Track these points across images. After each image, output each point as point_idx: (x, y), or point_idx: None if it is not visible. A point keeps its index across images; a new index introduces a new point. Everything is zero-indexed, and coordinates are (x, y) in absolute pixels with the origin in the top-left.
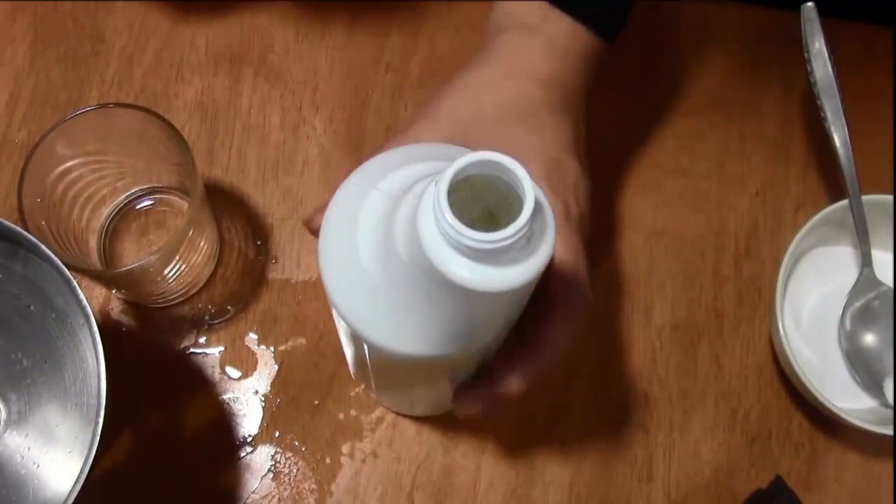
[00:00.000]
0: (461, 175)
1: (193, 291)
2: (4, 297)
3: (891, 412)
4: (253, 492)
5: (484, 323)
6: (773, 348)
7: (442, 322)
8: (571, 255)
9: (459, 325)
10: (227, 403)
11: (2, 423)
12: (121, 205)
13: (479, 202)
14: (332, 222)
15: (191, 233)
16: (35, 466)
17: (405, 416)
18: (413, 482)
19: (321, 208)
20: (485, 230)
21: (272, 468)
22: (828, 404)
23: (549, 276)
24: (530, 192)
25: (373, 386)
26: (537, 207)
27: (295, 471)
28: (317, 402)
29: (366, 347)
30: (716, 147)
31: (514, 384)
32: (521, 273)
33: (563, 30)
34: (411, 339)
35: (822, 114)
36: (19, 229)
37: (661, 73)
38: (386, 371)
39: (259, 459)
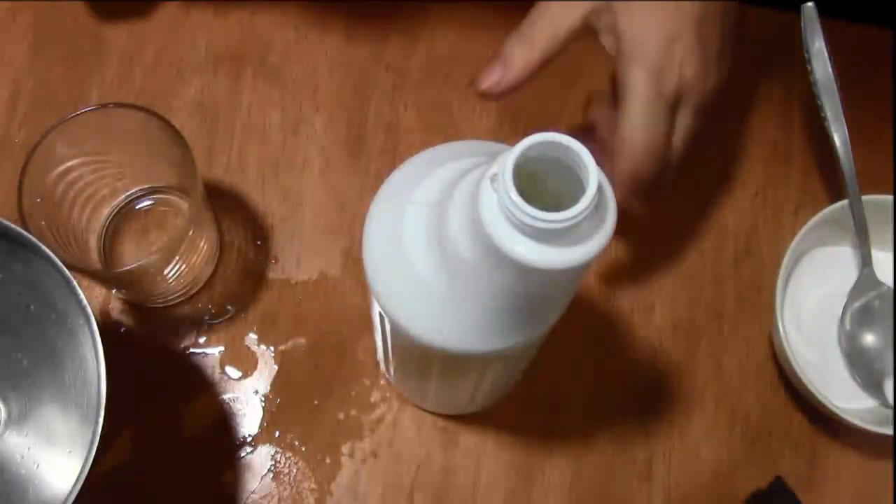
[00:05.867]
0: (525, 156)
1: (193, 291)
2: (4, 297)
3: (891, 412)
4: (253, 492)
5: (542, 309)
6: (773, 348)
7: (506, 314)
8: (651, 135)
9: (523, 313)
10: (227, 403)
11: (2, 423)
12: (121, 205)
13: (540, 183)
14: (376, 243)
15: (191, 233)
16: (35, 466)
17: (405, 415)
18: (413, 482)
19: (493, 64)
20: (544, 210)
21: (272, 468)
22: (828, 404)
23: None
24: (594, 175)
25: (395, 374)
26: (600, 191)
27: (295, 471)
28: (317, 402)
29: (431, 354)
30: (716, 147)
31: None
32: (582, 252)
33: None
34: (480, 337)
35: (822, 114)
36: (19, 229)
37: None
38: (440, 370)
39: (259, 459)
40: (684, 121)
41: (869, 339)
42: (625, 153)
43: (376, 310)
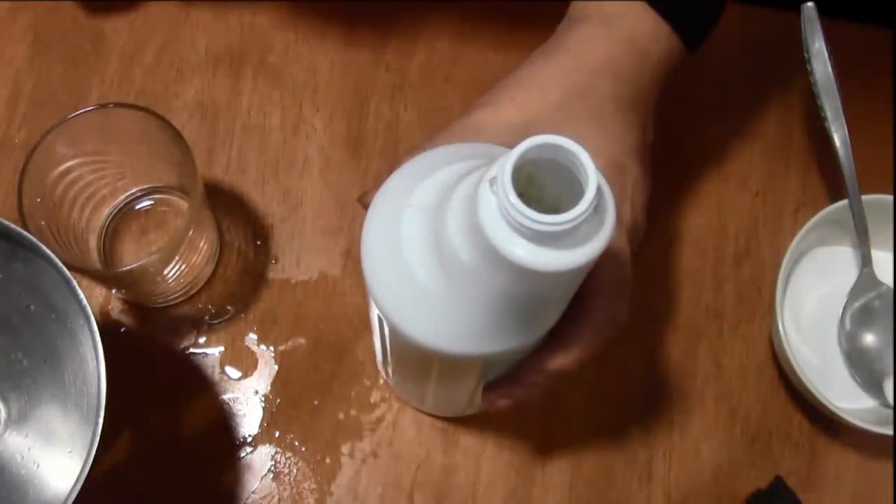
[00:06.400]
0: (524, 158)
1: (193, 291)
2: (4, 297)
3: (891, 412)
4: (253, 492)
5: (541, 311)
6: (773, 348)
7: (504, 316)
8: (615, 265)
9: (522, 316)
10: (227, 403)
11: (2, 423)
12: (121, 205)
13: (538, 185)
14: (374, 246)
15: (191, 233)
16: (35, 466)
17: (405, 415)
18: (413, 482)
19: (375, 186)
20: (544, 213)
21: (272, 468)
22: (828, 404)
23: (589, 281)
24: (593, 178)
25: (393, 376)
26: (599, 193)
27: (295, 471)
28: (317, 402)
29: (430, 357)
30: (716, 147)
31: (536, 378)
32: (581, 254)
33: (646, 26)
34: (478, 340)
35: (822, 114)
36: (19, 229)
37: None
38: (439, 373)
39: (259, 459)
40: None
41: (869, 339)
42: (601, 290)
43: (375, 313)
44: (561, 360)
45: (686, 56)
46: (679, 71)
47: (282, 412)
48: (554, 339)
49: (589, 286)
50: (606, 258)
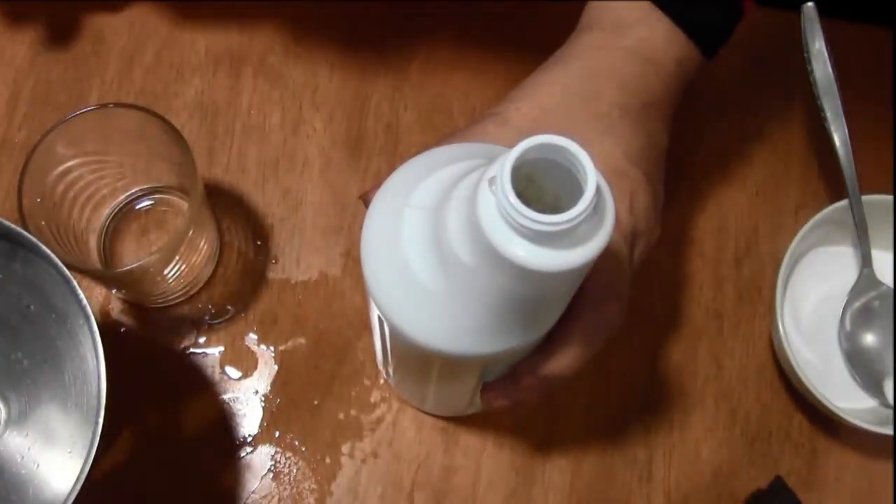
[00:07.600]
0: (523, 158)
1: (193, 291)
2: (4, 297)
3: (891, 412)
4: (253, 492)
5: (541, 311)
6: (773, 348)
7: (504, 316)
8: (611, 268)
9: (522, 316)
10: (227, 403)
11: (2, 423)
12: (121, 205)
13: (537, 185)
14: (374, 246)
15: (191, 233)
16: (35, 466)
17: (405, 415)
18: (413, 482)
19: (376, 186)
20: (543, 213)
21: (272, 468)
22: (828, 404)
23: (584, 283)
24: (592, 177)
25: (394, 376)
26: (598, 193)
27: (295, 471)
28: (317, 402)
29: (430, 357)
30: (716, 147)
31: (532, 382)
32: (581, 254)
33: (658, 33)
34: (479, 339)
35: (822, 114)
36: (19, 229)
37: None
38: (439, 373)
39: (259, 459)
40: (633, 263)
41: (869, 339)
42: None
43: (375, 313)
44: (556, 364)
45: (702, 64)
46: (695, 78)
47: (282, 412)
48: (550, 341)
49: (584, 288)
50: (603, 260)
